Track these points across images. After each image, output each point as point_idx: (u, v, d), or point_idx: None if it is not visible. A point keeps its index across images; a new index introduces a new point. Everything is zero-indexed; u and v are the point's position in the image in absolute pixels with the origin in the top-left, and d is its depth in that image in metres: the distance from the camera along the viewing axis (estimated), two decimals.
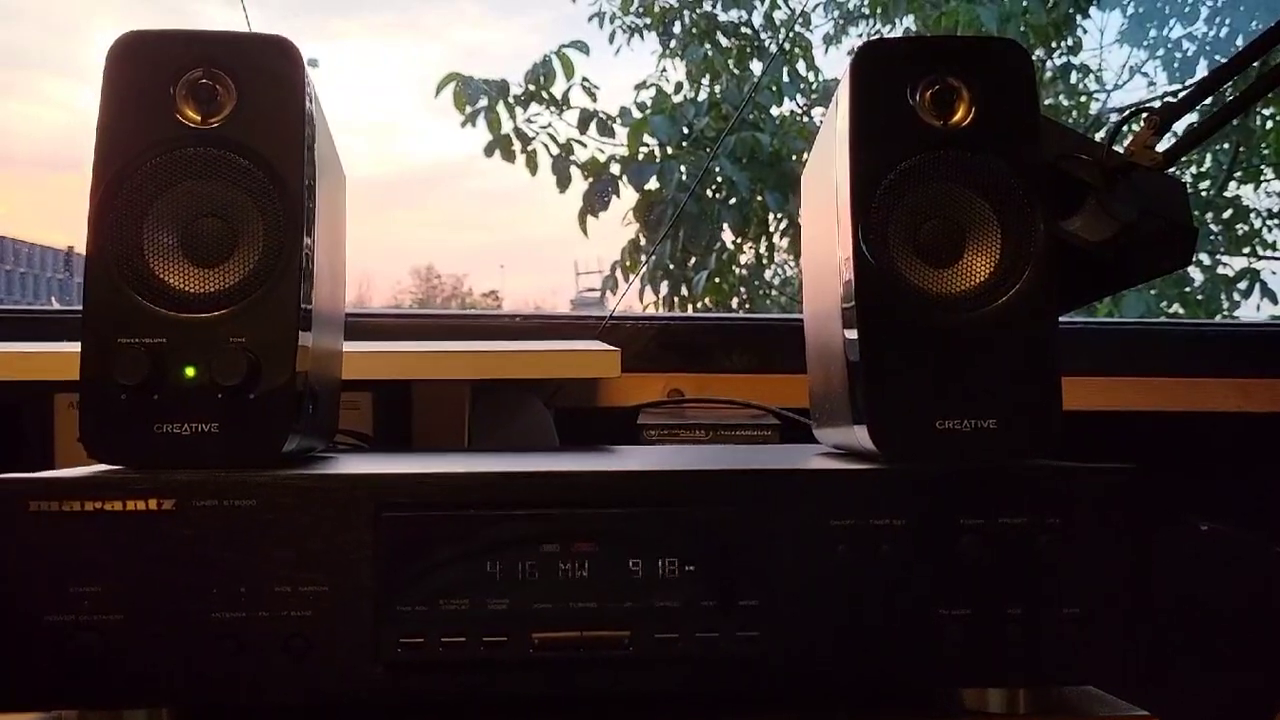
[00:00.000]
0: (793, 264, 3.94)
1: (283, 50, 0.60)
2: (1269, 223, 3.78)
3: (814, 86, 3.65)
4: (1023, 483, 0.56)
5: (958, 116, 0.62)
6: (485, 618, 0.54)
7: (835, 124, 0.64)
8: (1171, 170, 0.84)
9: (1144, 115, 0.81)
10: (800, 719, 0.57)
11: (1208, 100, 0.91)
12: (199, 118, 0.59)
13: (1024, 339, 0.60)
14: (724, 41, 3.68)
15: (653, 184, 3.25)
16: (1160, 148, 0.78)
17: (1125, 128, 0.84)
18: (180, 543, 0.53)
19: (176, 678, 0.53)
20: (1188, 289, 3.49)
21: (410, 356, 0.97)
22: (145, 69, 0.59)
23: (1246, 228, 3.72)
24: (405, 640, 0.54)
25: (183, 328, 0.57)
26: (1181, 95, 0.83)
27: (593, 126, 3.33)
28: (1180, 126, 0.82)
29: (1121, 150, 0.80)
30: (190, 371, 0.57)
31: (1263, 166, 3.72)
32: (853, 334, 0.60)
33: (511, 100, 3.27)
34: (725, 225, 3.36)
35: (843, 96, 0.63)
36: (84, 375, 0.57)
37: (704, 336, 1.33)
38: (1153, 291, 3.38)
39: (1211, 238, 3.51)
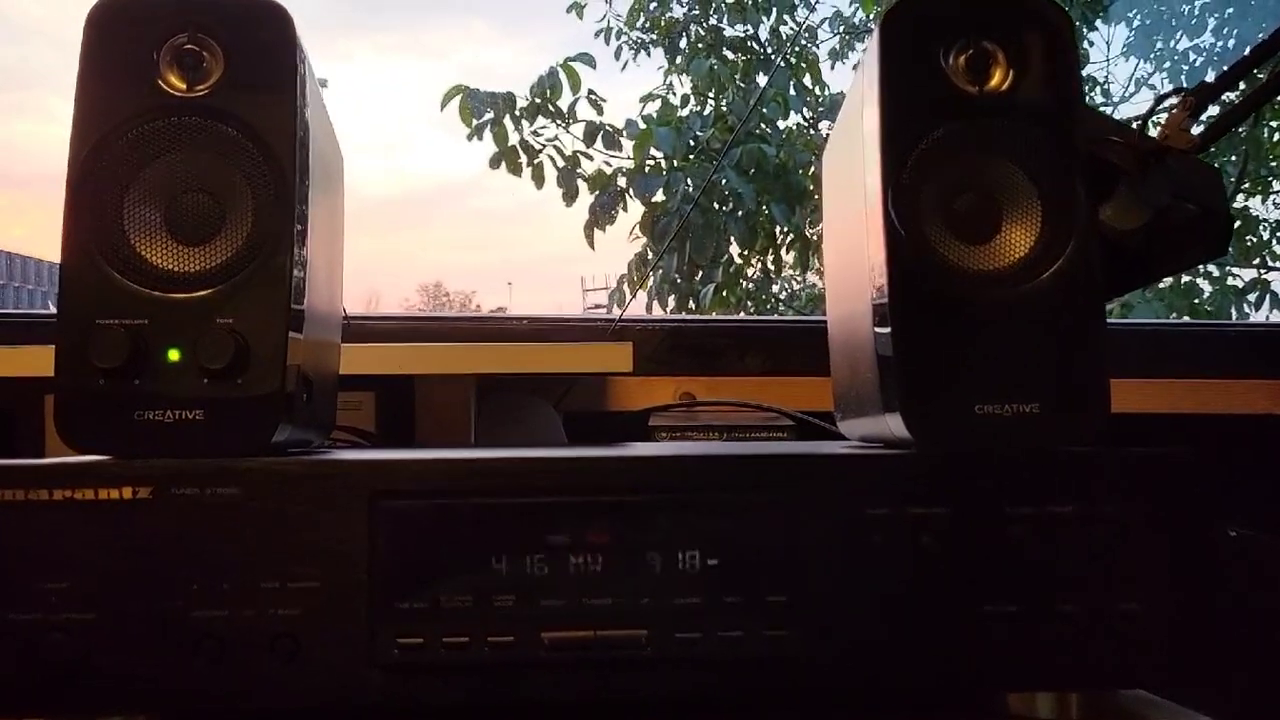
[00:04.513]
0: (799, 278, 3.93)
1: (273, 15, 0.58)
2: (1278, 234, 3.78)
3: (820, 100, 3.66)
4: (1073, 467, 0.53)
5: (994, 81, 0.59)
6: (490, 616, 0.51)
7: (862, 93, 0.61)
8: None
9: (1178, 98, 0.78)
10: None
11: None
12: (184, 86, 0.57)
13: (1068, 317, 0.57)
14: (730, 56, 3.70)
15: (659, 197, 3.25)
16: None
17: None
18: (158, 535, 0.50)
19: (154, 682, 0.50)
20: (1196, 300, 3.49)
21: (414, 350, 0.93)
22: (127, 34, 0.57)
23: (1255, 239, 3.72)
24: (403, 641, 0.51)
25: (166, 308, 0.55)
26: (1217, 77, 0.80)
27: (599, 140, 3.33)
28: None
29: (1155, 134, 0.77)
30: (174, 354, 0.54)
31: (1271, 179, 3.73)
32: (885, 330, 0.57)
33: (518, 113, 3.27)
34: (732, 238, 3.36)
35: (870, 61, 0.59)
36: (60, 359, 0.54)
37: (715, 339, 1.32)
38: (1163, 301, 3.37)
39: None
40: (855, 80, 0.63)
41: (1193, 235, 0.79)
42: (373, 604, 0.51)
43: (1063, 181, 0.58)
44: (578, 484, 0.52)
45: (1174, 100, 0.79)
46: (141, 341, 0.54)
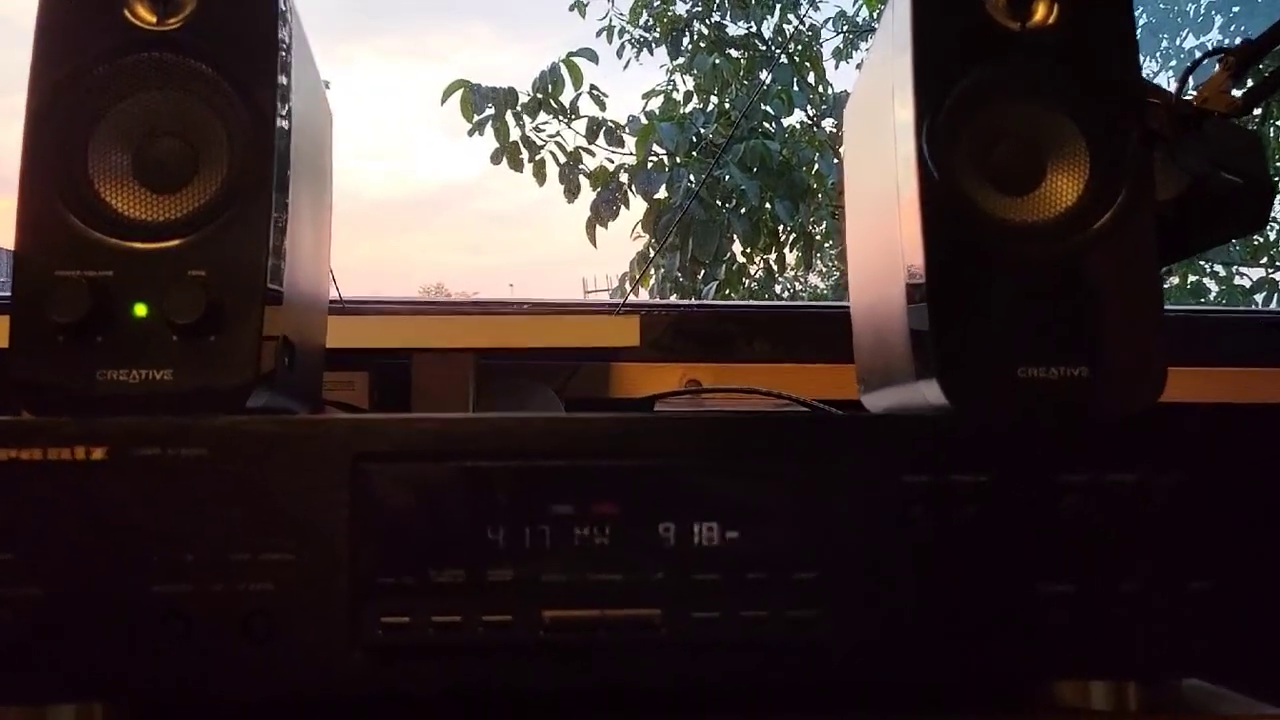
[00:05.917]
0: (802, 279, 3.90)
1: None
2: None
3: (824, 97, 3.64)
4: (1134, 431, 0.48)
5: (1038, 17, 0.55)
6: (485, 593, 0.47)
7: (891, 33, 0.56)
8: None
9: (1219, 58, 0.74)
10: (864, 714, 0.49)
11: None
12: (154, 19, 0.53)
13: (1119, 272, 0.52)
14: (733, 54, 3.68)
15: (662, 193, 3.23)
16: None
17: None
18: (115, 500, 0.46)
19: (110, 666, 0.45)
20: (1203, 299, 3.47)
21: (411, 324, 0.89)
22: None
23: (1263, 238, 3.70)
24: (388, 620, 0.46)
25: (133, 259, 0.51)
26: (1262, 34, 0.76)
27: (601, 136, 3.31)
28: None
29: (1193, 97, 0.73)
30: (141, 310, 0.50)
31: (1278, 179, 3.70)
32: (918, 301, 0.53)
33: (519, 109, 3.25)
34: (735, 236, 3.33)
35: None
36: (15, 314, 0.50)
37: (723, 325, 1.28)
38: (1169, 299, 3.35)
39: (1229, 248, 3.49)
40: (886, 17, 0.59)
41: (1232, 206, 0.75)
42: (355, 579, 0.46)
43: (1112, 125, 0.53)
44: (584, 447, 0.48)
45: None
46: (105, 295, 0.50)
